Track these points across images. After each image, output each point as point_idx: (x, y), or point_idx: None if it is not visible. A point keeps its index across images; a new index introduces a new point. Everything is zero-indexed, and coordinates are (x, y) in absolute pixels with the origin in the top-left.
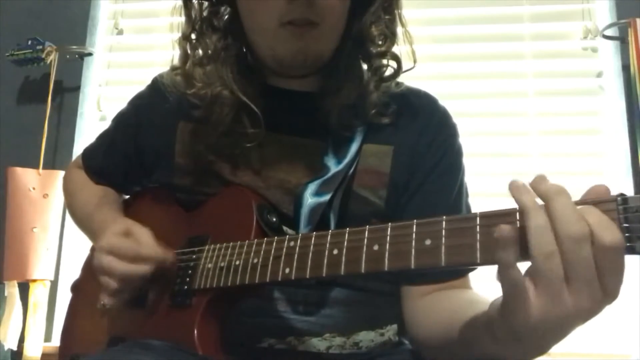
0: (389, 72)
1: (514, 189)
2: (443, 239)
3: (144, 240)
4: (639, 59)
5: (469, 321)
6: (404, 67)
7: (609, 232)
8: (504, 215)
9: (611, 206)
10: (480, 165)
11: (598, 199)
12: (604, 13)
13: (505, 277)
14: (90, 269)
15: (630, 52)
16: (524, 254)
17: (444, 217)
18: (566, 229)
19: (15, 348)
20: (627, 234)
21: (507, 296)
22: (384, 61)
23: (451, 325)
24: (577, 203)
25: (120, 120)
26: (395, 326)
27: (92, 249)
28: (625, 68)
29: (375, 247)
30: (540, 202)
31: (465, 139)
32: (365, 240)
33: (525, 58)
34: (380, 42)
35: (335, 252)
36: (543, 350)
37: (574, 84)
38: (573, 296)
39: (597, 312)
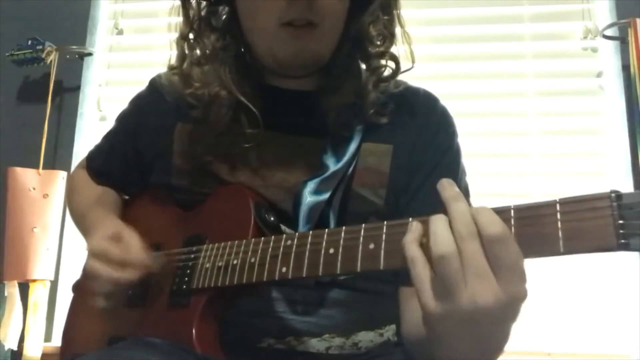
0: (387, 72)
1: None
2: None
3: (133, 245)
4: (639, 59)
5: None
6: (403, 67)
7: (493, 226)
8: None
9: (605, 203)
10: (480, 165)
11: (591, 196)
12: (604, 13)
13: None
14: None
15: (630, 52)
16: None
17: (440, 214)
18: (457, 229)
19: (15, 348)
20: (621, 231)
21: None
22: (383, 61)
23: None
24: (571, 201)
25: (121, 121)
26: (394, 326)
27: None
28: (625, 68)
29: (371, 246)
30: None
31: (465, 139)
32: (361, 238)
33: (525, 58)
34: (378, 43)
35: (331, 251)
36: (486, 354)
37: (574, 84)
38: (469, 292)
39: (506, 310)
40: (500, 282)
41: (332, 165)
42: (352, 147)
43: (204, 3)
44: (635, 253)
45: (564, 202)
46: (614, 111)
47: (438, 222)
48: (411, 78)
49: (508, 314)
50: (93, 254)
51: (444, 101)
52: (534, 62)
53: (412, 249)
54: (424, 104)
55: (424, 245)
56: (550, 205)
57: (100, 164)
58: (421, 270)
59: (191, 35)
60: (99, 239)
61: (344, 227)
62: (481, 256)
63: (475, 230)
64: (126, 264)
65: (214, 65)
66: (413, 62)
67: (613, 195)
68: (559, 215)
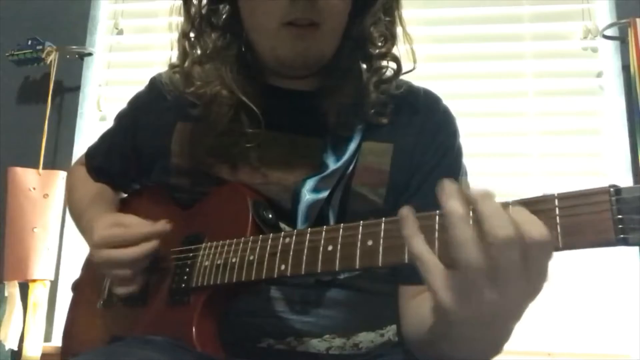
0: (388, 73)
1: (441, 193)
2: (436, 233)
3: (132, 222)
4: (639, 59)
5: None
6: (404, 67)
7: (536, 229)
8: None
9: (604, 197)
10: (480, 165)
11: (590, 190)
12: (604, 13)
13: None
14: (91, 268)
15: (630, 52)
16: (451, 261)
17: (437, 211)
18: (493, 233)
19: (15, 348)
20: (620, 226)
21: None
22: (384, 62)
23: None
24: (570, 195)
25: (120, 120)
26: (394, 326)
27: None
28: (625, 68)
29: (370, 243)
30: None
31: (465, 139)
32: (360, 235)
33: (525, 58)
34: (380, 44)
35: (329, 248)
36: (493, 348)
37: (574, 84)
38: (495, 293)
39: (522, 305)
40: (529, 282)
41: (332, 164)
42: (352, 146)
43: (204, 1)
44: (635, 252)
45: (563, 196)
46: (614, 111)
47: (462, 226)
48: (411, 78)
49: (524, 310)
50: (100, 245)
51: (444, 101)
52: (534, 62)
53: (418, 248)
54: (425, 103)
55: (439, 240)
56: (549, 200)
57: (99, 162)
58: (434, 269)
59: (192, 34)
60: (98, 232)
61: (342, 224)
62: (518, 262)
63: (515, 234)
64: (135, 239)
65: (215, 64)
66: (414, 62)
67: (612, 189)
68: (557, 210)
